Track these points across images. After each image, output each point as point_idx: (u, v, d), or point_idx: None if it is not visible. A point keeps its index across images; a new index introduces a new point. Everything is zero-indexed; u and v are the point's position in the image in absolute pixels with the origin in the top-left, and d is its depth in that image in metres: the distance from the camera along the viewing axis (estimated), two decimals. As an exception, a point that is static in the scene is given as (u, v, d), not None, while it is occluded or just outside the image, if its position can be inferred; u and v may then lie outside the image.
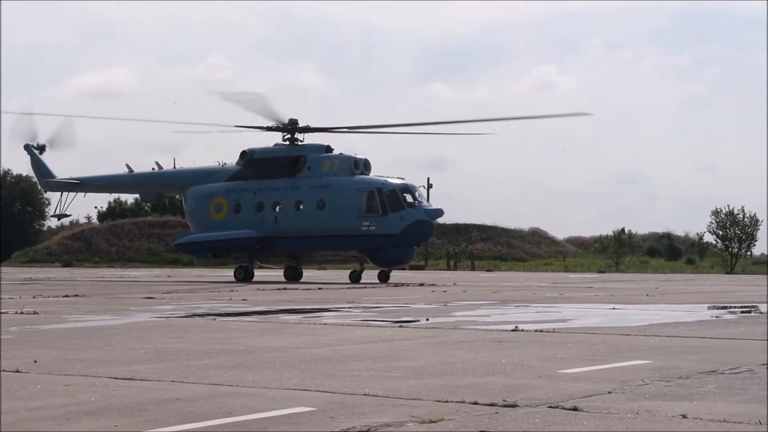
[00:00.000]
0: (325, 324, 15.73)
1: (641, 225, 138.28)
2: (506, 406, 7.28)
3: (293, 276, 41.99)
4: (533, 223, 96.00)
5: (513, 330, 14.18)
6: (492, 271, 66.96)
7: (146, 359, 10.30)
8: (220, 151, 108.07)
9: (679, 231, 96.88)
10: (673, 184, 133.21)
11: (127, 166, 45.45)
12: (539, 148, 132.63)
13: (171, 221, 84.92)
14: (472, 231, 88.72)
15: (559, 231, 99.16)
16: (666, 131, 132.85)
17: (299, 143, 41.95)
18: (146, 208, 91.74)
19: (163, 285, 33.67)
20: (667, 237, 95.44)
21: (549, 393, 7.93)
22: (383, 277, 39.67)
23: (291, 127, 41.92)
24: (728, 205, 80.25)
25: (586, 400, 7.54)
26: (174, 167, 44.53)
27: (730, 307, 20.58)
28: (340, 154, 41.05)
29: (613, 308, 20.42)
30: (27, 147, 46.72)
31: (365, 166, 40.89)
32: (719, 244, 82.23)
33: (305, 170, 40.73)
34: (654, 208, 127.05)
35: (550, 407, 7.25)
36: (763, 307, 20.37)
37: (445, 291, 29.52)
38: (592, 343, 12.23)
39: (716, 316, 17.91)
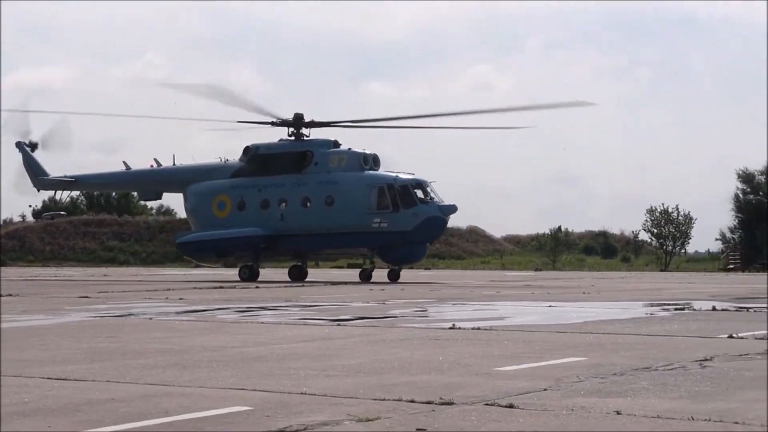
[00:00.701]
0: (262, 323, 15.68)
1: (577, 223, 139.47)
2: (443, 403, 7.30)
3: (298, 275, 40.98)
4: (471, 221, 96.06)
5: (450, 328, 14.23)
6: (430, 269, 67.14)
7: (81, 359, 10.20)
8: (163, 148, 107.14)
9: (614, 229, 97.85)
10: (608, 182, 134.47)
11: (124, 163, 44.38)
12: (476, 147, 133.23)
13: (107, 220, 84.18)
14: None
15: (497, 229, 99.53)
16: (601, 131, 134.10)
17: (305, 138, 40.99)
18: (82, 206, 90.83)
19: (98, 284, 33.35)
20: (603, 235, 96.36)
21: (485, 390, 7.97)
22: (393, 276, 38.71)
23: (296, 121, 41.00)
24: (663, 204, 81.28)
25: (522, 398, 7.59)
26: (173, 164, 43.39)
27: (664, 305, 20.82)
28: (349, 149, 40.10)
29: (550, 306, 20.57)
30: (19, 144, 45.73)
31: (374, 161, 39.95)
32: (654, 242, 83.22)
33: (312, 166, 39.79)
34: (590, 206, 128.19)
35: (487, 405, 7.29)
36: (696, 305, 20.62)
37: (383, 289, 29.56)
38: (528, 341, 12.32)
39: (650, 314, 18.10)
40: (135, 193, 46.00)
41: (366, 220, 38.57)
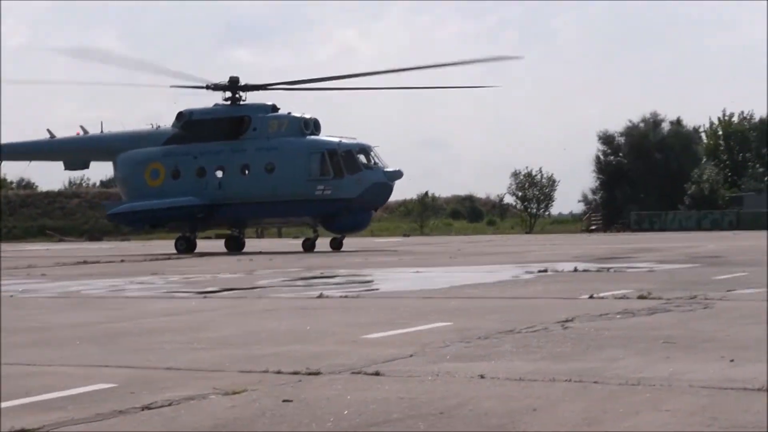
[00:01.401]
0: (127, 297, 15.47)
1: (444, 188, 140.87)
2: (310, 373, 7.32)
3: (235, 246, 39.64)
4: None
5: (318, 297, 14.25)
6: (298, 237, 67.09)
7: (-62, 341, 9.92)
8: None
9: (480, 193, 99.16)
10: (474, 147, 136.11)
11: (48, 131, 42.19)
12: (341, 113, 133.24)
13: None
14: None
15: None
16: (467, 96, 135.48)
17: (241, 103, 39.53)
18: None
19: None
20: (469, 199, 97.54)
21: (352, 359, 8.02)
22: (336, 245, 37.71)
23: (231, 85, 39.51)
24: (527, 167, 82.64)
25: (389, 365, 7.65)
26: (101, 131, 41.57)
27: (528, 267, 21.18)
28: (289, 113, 38.77)
29: (417, 272, 20.76)
30: None
31: (315, 126, 38.59)
32: (519, 205, 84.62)
33: (250, 131, 38.40)
34: (457, 171, 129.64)
35: (353, 373, 7.33)
36: (559, 266, 21.05)
37: (251, 260, 29.43)
38: (395, 308, 12.41)
39: (515, 277, 18.41)
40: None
41: (308, 187, 37.37)
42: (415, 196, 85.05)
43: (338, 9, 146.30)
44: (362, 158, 37.74)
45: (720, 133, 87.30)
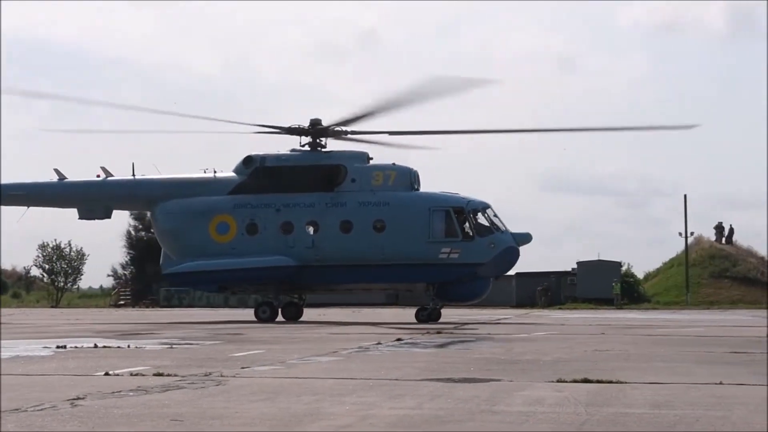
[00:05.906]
0: None
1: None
2: None
3: (296, 314, 34.41)
4: None
5: None
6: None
7: None
8: None
9: (6, 265, 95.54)
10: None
11: (57, 171, 34.42)
12: None
13: None
14: None
15: None
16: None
17: (323, 149, 34.37)
18: None
19: None
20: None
21: None
22: (436, 316, 33.24)
23: (313, 129, 34.18)
24: (55, 239, 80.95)
25: None
26: (133, 175, 34.38)
27: (47, 343, 20.57)
28: (393, 164, 34.14)
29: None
30: None
31: (418, 179, 34.23)
32: (46, 278, 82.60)
33: (348, 183, 33.49)
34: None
35: None
36: (80, 342, 20.62)
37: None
38: None
39: (28, 353, 17.81)
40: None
41: (430, 249, 33.17)
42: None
43: None
44: (488, 218, 34.26)
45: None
